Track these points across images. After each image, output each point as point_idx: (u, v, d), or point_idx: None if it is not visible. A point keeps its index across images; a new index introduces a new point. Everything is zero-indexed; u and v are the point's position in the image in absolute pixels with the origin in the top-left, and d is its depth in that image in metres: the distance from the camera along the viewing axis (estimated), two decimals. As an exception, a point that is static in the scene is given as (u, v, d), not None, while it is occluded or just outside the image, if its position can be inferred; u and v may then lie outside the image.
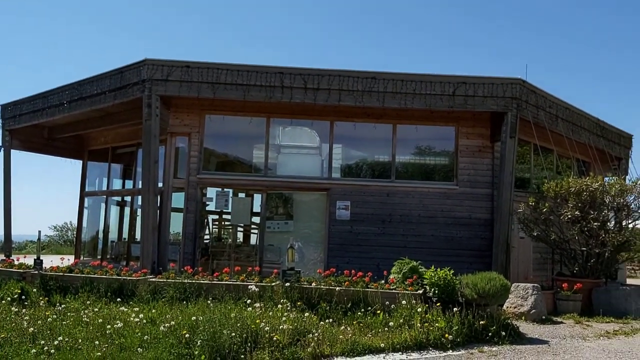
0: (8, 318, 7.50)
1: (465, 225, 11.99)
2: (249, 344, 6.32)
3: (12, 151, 14.97)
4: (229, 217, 13.58)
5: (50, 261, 11.53)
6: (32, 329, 6.88)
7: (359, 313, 7.77)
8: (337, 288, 8.29)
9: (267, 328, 6.63)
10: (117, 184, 15.60)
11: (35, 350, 6.17)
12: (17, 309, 8.08)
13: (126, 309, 7.86)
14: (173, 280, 8.90)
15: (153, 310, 7.89)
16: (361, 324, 7.46)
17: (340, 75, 11.42)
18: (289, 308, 7.62)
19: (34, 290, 9.16)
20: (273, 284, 8.52)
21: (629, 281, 16.26)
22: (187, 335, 6.46)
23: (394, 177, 12.32)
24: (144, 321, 7.19)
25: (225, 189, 12.78)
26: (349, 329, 7.25)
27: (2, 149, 14.84)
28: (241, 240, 15.16)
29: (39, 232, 12.14)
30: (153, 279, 9.17)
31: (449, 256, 11.40)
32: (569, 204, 10.88)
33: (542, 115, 12.14)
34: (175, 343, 6.38)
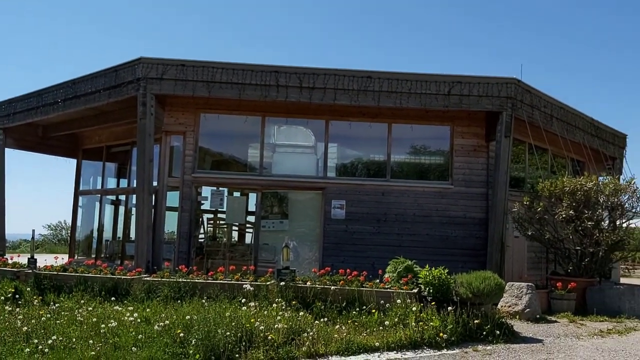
0: (2, 317, 7.46)
1: (460, 225, 12.02)
2: (244, 343, 6.32)
3: (6, 149, 14.95)
4: (224, 216, 13.59)
5: (44, 260, 11.50)
6: (25, 328, 6.84)
7: (354, 312, 7.77)
8: (332, 287, 8.29)
9: (262, 327, 6.62)
10: (111, 183, 15.56)
11: (29, 350, 6.14)
12: (10, 308, 8.04)
13: (120, 308, 7.83)
14: (167, 280, 8.89)
15: (147, 310, 7.86)
16: (356, 323, 7.46)
17: (336, 74, 11.42)
18: (283, 307, 7.61)
19: (28, 289, 9.12)
20: (268, 283, 8.50)
21: (623, 280, 16.36)
22: (181, 335, 6.44)
23: (389, 176, 12.33)
24: (139, 320, 7.17)
25: (221, 188, 12.77)
26: (343, 328, 7.24)
27: (-4, 147, 14.78)
28: (236, 239, 15.15)
29: (33, 231, 12.11)
30: (147, 278, 9.14)
31: (444, 255, 11.44)
32: (563, 203, 10.93)
33: (537, 114, 12.18)
34: (169, 342, 6.37)
